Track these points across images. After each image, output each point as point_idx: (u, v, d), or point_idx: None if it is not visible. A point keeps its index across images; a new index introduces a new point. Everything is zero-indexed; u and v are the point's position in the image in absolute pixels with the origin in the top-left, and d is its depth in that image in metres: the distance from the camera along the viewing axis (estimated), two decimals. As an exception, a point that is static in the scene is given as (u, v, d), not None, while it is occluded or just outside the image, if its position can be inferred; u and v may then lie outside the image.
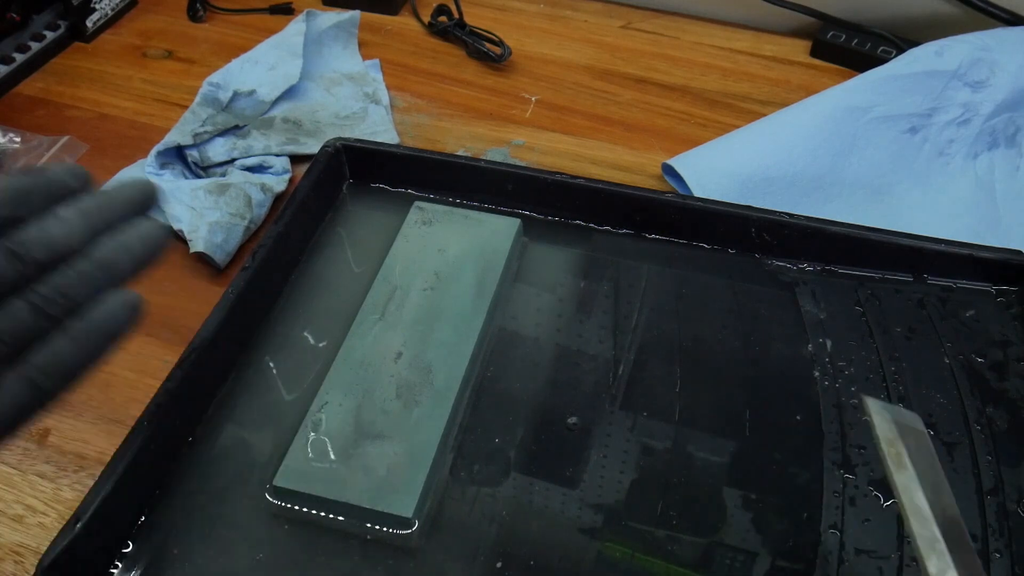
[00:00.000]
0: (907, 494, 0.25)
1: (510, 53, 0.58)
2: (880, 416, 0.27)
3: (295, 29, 0.57)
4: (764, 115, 0.51)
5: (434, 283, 0.41)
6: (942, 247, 0.41)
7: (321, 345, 0.40)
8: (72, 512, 0.31)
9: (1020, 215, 0.46)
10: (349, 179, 0.48)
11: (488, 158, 0.51)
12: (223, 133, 0.51)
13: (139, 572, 0.32)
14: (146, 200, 0.25)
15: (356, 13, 0.60)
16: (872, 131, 0.48)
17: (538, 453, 0.36)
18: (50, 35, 0.60)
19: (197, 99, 0.52)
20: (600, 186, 0.44)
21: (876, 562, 0.32)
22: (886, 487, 0.34)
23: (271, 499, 0.34)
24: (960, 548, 0.24)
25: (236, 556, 0.33)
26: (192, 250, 0.44)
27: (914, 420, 0.27)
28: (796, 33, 0.62)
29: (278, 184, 0.49)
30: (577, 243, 0.44)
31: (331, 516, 0.33)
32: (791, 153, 0.47)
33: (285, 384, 0.38)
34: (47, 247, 0.22)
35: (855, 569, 0.32)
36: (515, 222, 0.43)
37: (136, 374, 0.40)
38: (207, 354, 0.36)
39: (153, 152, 0.49)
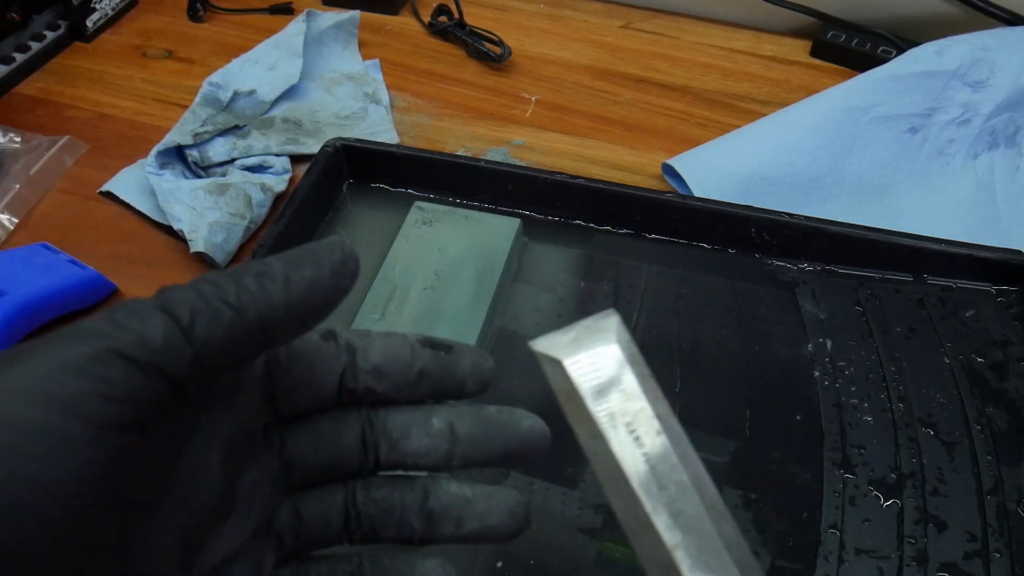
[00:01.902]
0: (601, 458, 0.19)
1: (510, 53, 0.59)
2: (550, 364, 0.20)
3: (295, 29, 0.57)
4: (764, 115, 0.51)
5: (434, 283, 0.41)
6: (942, 247, 0.41)
7: (321, 345, 0.40)
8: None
9: (1020, 215, 0.46)
10: (349, 179, 0.48)
11: (488, 158, 0.51)
12: (223, 133, 0.51)
13: None
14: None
15: (356, 13, 0.60)
16: (872, 131, 0.48)
17: (538, 453, 0.36)
18: (50, 35, 0.60)
19: (197, 99, 0.52)
20: (600, 186, 0.44)
21: (876, 562, 0.32)
22: (886, 487, 0.34)
23: (271, 499, 0.34)
24: (685, 509, 0.19)
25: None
26: (192, 250, 0.44)
27: (601, 333, 0.20)
28: (796, 33, 0.62)
29: (278, 184, 0.49)
30: (577, 243, 0.44)
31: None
32: (791, 153, 0.47)
33: (285, 384, 0.38)
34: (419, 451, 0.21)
35: (855, 569, 0.32)
36: (515, 222, 0.43)
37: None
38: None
39: (153, 152, 0.49)
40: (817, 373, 0.38)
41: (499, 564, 0.32)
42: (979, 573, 0.31)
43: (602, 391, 0.20)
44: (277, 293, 0.17)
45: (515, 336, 0.40)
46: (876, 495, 0.34)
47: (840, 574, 0.32)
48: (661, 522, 0.19)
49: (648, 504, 0.19)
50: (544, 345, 0.21)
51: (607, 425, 0.19)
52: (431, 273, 0.41)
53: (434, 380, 0.21)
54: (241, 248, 0.46)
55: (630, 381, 0.20)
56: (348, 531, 0.21)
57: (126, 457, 0.15)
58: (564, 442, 0.36)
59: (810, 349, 0.39)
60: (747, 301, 0.41)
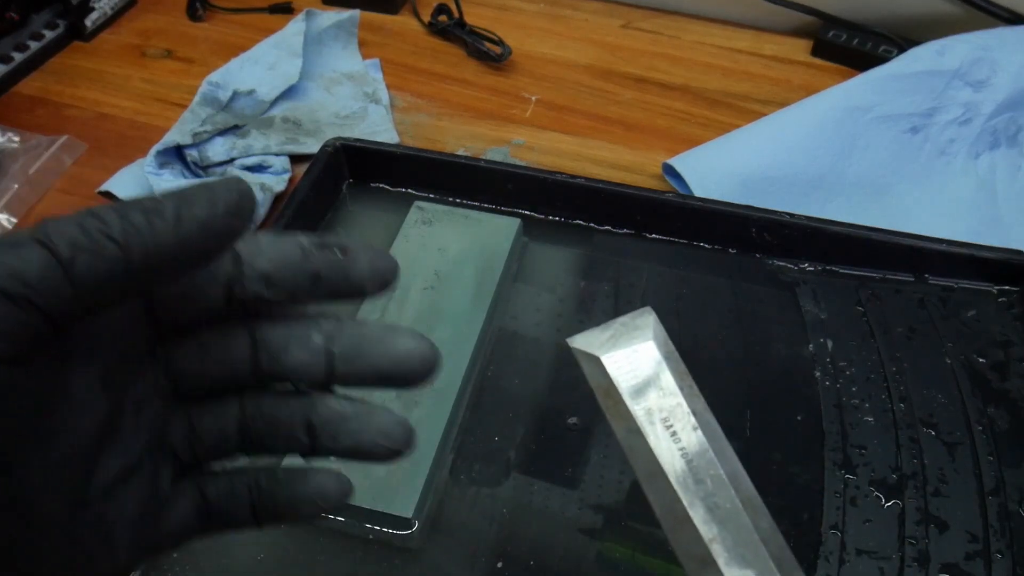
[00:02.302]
0: (639, 453, 0.19)
1: (510, 52, 0.58)
2: (588, 361, 0.20)
3: (295, 28, 0.57)
4: (765, 115, 0.51)
5: (434, 283, 0.41)
6: (943, 247, 0.41)
7: (321, 345, 0.40)
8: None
9: (1021, 215, 0.46)
10: (349, 179, 0.47)
11: (488, 158, 0.51)
12: (223, 132, 0.51)
13: (138, 572, 0.32)
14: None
15: (356, 12, 0.60)
16: (873, 131, 0.48)
17: (538, 453, 0.35)
18: (49, 34, 0.60)
19: (196, 98, 0.52)
20: (600, 186, 0.44)
21: (877, 563, 0.32)
22: (887, 487, 0.34)
23: (270, 499, 0.34)
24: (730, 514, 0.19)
25: (236, 556, 0.33)
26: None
27: (638, 331, 0.20)
28: (797, 32, 0.62)
29: (278, 184, 0.49)
30: (577, 243, 0.44)
31: (331, 516, 0.33)
32: (792, 153, 0.47)
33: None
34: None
35: (857, 569, 0.32)
36: (515, 222, 0.43)
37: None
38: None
39: (152, 152, 0.48)
40: (818, 373, 0.38)
41: (499, 565, 0.32)
42: (980, 574, 0.31)
43: (640, 388, 0.20)
44: (166, 232, 0.16)
45: (515, 336, 0.40)
46: (877, 496, 0.34)
47: (841, 575, 0.32)
48: (698, 516, 0.19)
49: (685, 499, 0.19)
50: (582, 342, 0.21)
51: (645, 421, 0.20)
52: (431, 273, 0.41)
53: (331, 283, 0.20)
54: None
55: (667, 378, 0.20)
56: (244, 444, 0.21)
57: (4, 392, 0.15)
58: (564, 443, 0.36)
59: (811, 349, 0.39)
60: (747, 301, 0.41)
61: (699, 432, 0.19)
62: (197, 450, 0.21)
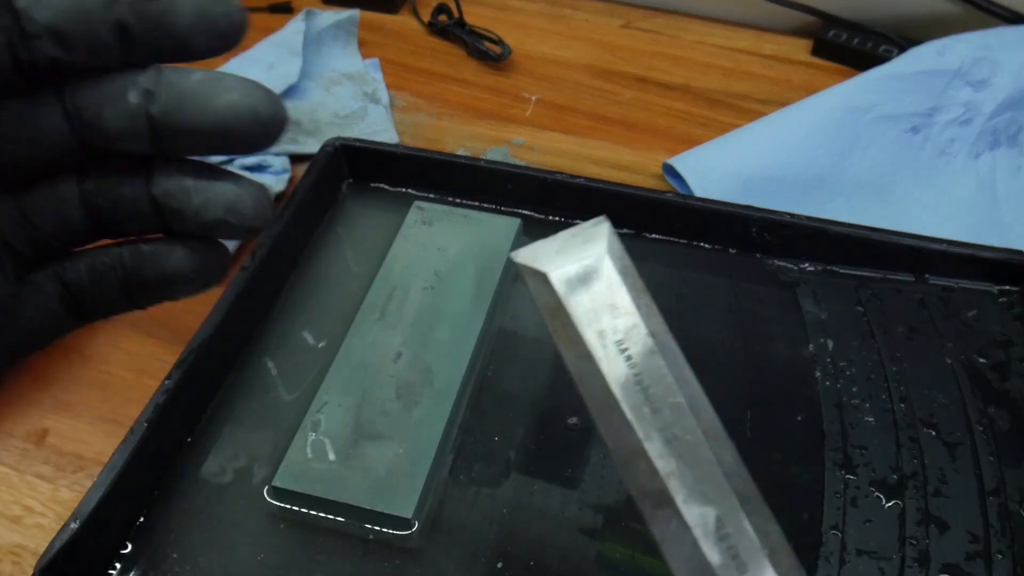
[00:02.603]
0: (589, 380, 0.17)
1: (510, 52, 0.58)
2: (534, 278, 0.18)
3: (294, 28, 0.57)
4: (765, 114, 0.51)
5: (434, 283, 0.41)
6: (944, 247, 0.41)
7: (320, 345, 0.40)
8: (70, 513, 0.30)
9: (1022, 215, 0.46)
10: (348, 179, 0.47)
11: (488, 158, 0.51)
12: (222, 132, 0.51)
13: (138, 573, 0.32)
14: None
15: (355, 12, 0.60)
16: (873, 130, 0.48)
17: (538, 453, 0.35)
18: (49, 34, 0.60)
19: (196, 98, 0.52)
20: (600, 186, 0.44)
21: (878, 563, 0.32)
22: (888, 487, 0.34)
23: (270, 499, 0.34)
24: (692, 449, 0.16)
25: (235, 557, 0.33)
26: None
27: (591, 243, 0.18)
28: (797, 32, 0.62)
29: (277, 184, 0.49)
30: (577, 243, 0.44)
31: (330, 517, 0.33)
32: (792, 153, 0.47)
33: (284, 384, 0.38)
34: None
35: (857, 570, 0.32)
36: (515, 222, 0.43)
37: (134, 374, 0.40)
38: (206, 354, 0.36)
39: (152, 151, 0.48)
40: (818, 373, 0.38)
41: (499, 565, 0.32)
42: (981, 574, 0.31)
43: (592, 307, 0.18)
44: None
45: (515, 336, 0.40)
46: (877, 496, 0.34)
47: (841, 575, 0.31)
48: (654, 449, 0.17)
49: (640, 429, 0.17)
50: (527, 256, 0.18)
51: (596, 344, 0.17)
52: (431, 273, 0.41)
53: (143, 36, 0.17)
54: (240, 248, 0.45)
55: (623, 296, 0.18)
56: (95, 229, 0.19)
57: None
58: (564, 443, 0.36)
59: (811, 349, 0.39)
60: (748, 301, 0.41)
61: (657, 356, 0.17)
62: (39, 239, 0.18)
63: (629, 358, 0.17)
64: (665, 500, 0.17)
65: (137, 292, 0.20)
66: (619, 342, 0.17)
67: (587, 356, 0.17)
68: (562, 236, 0.19)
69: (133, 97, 0.17)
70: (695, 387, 0.18)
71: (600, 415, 0.17)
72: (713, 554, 0.17)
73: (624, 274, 0.18)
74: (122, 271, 0.19)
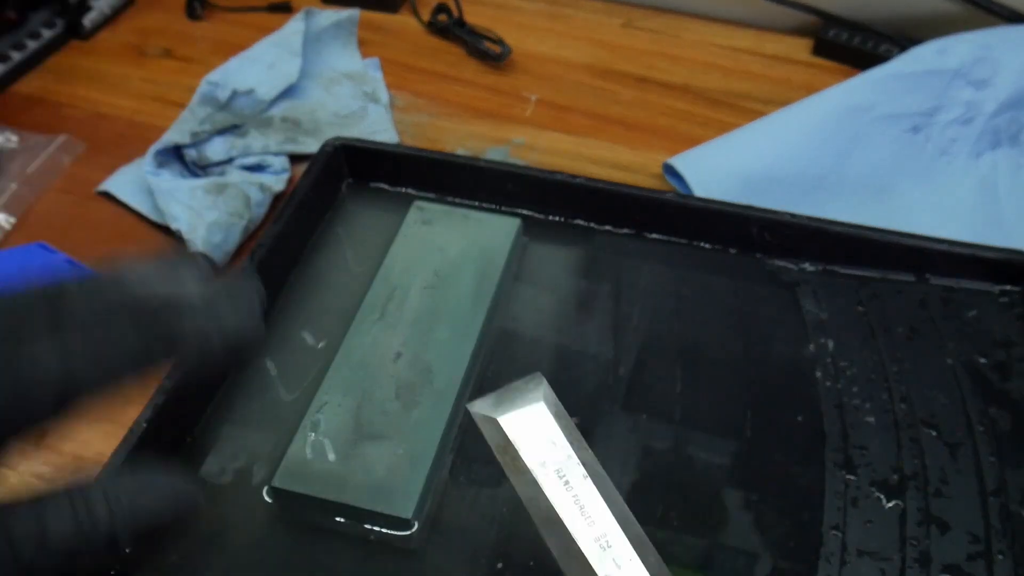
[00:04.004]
0: (536, 503, 0.22)
1: (510, 52, 0.58)
2: (487, 424, 0.23)
3: (294, 28, 0.57)
4: (766, 114, 0.51)
5: (434, 283, 0.41)
6: (944, 247, 0.41)
7: (320, 345, 0.40)
8: (69, 514, 0.30)
9: (1022, 214, 0.46)
10: (348, 178, 0.47)
11: (488, 157, 0.51)
12: (221, 132, 0.51)
13: (138, 574, 0.32)
14: None
15: (355, 11, 0.60)
16: (874, 130, 0.48)
17: (538, 454, 0.35)
18: (47, 33, 0.60)
19: (195, 98, 0.52)
20: (600, 186, 0.44)
21: (878, 563, 0.32)
22: (889, 488, 0.34)
23: (270, 500, 0.34)
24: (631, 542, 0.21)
25: (235, 557, 0.32)
26: (191, 250, 0.43)
27: (531, 393, 0.23)
28: (798, 31, 0.62)
29: (277, 183, 0.49)
30: (577, 243, 0.44)
31: (330, 517, 0.33)
32: (793, 152, 0.47)
33: (284, 384, 0.38)
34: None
35: (857, 570, 0.32)
36: (515, 222, 0.43)
37: (134, 374, 0.40)
38: (205, 354, 0.36)
39: (151, 151, 0.48)
40: (819, 374, 0.38)
41: (499, 565, 0.32)
42: (982, 575, 0.31)
43: (533, 445, 0.22)
44: None
45: (515, 336, 0.40)
46: (878, 496, 0.34)
47: (842, 575, 0.31)
48: (592, 555, 0.21)
49: (579, 540, 0.21)
50: (480, 407, 0.23)
51: (539, 472, 0.22)
52: (431, 273, 0.41)
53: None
54: (240, 248, 0.45)
55: (558, 434, 0.22)
56: None
57: None
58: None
59: (811, 349, 0.39)
60: (748, 301, 0.41)
61: (589, 480, 0.22)
62: None
63: (567, 483, 0.22)
64: None
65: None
66: (558, 471, 0.22)
67: (533, 483, 0.22)
68: (508, 389, 0.24)
69: None
70: (621, 503, 0.22)
71: (546, 529, 0.22)
72: None
73: (558, 416, 0.23)
74: None
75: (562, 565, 0.22)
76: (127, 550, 0.16)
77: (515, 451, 0.22)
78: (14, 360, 0.15)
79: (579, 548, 0.21)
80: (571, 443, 0.22)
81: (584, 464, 0.22)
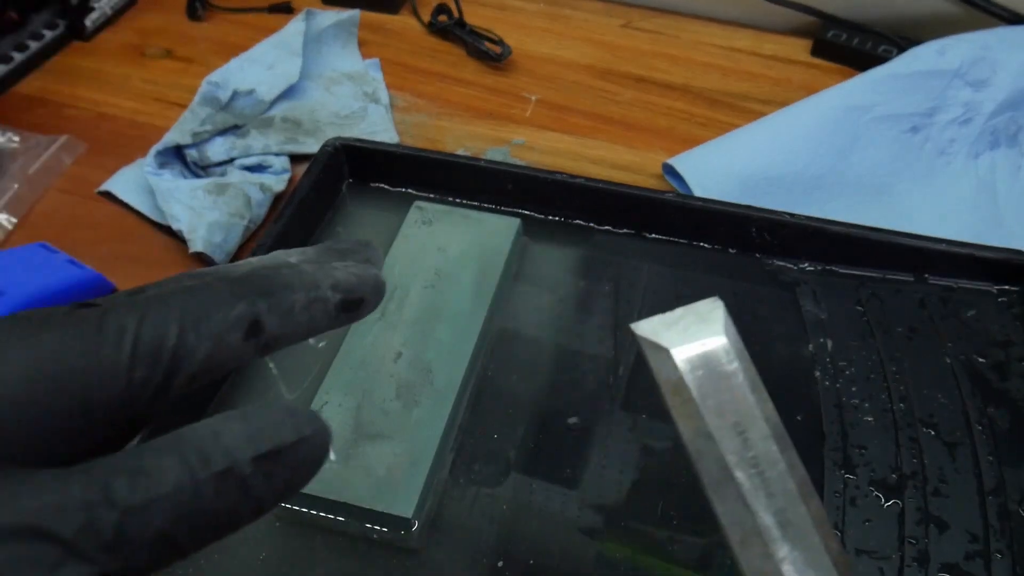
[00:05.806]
0: (707, 459, 0.18)
1: (510, 52, 0.58)
2: (655, 352, 0.18)
3: (295, 28, 0.57)
4: (765, 114, 0.51)
5: (434, 283, 0.41)
6: (943, 247, 0.41)
7: (320, 345, 0.40)
8: (71, 513, 0.30)
9: (1021, 215, 0.46)
10: (349, 178, 0.47)
11: (488, 157, 0.51)
12: (222, 132, 0.51)
13: None
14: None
15: (356, 12, 0.60)
16: (873, 130, 0.48)
17: (538, 453, 0.35)
18: (48, 34, 0.60)
19: (196, 98, 0.52)
20: (600, 186, 0.44)
21: (877, 563, 0.32)
22: (887, 487, 0.34)
23: (270, 499, 0.34)
24: (796, 525, 0.17)
25: (235, 556, 0.33)
26: (191, 250, 0.43)
27: (708, 324, 0.18)
28: (797, 32, 0.62)
29: (277, 183, 0.49)
30: (577, 243, 0.44)
31: (331, 516, 0.33)
32: (792, 152, 0.47)
33: (285, 384, 0.38)
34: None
35: (857, 569, 0.32)
36: (515, 222, 0.43)
37: (135, 374, 0.40)
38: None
39: (152, 151, 0.48)
40: (818, 373, 0.38)
41: (499, 564, 0.32)
42: (980, 574, 0.31)
43: (711, 388, 0.18)
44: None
45: (515, 336, 0.40)
46: (877, 495, 0.34)
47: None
48: (769, 532, 0.18)
49: (757, 511, 0.18)
50: (648, 330, 0.18)
51: (716, 424, 0.18)
52: (431, 273, 0.41)
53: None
54: (241, 248, 0.45)
55: (739, 380, 0.18)
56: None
57: None
58: (564, 443, 0.36)
59: (811, 349, 0.39)
60: (747, 301, 0.41)
61: (771, 441, 0.18)
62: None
63: (746, 440, 0.18)
64: None
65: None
66: (736, 424, 0.18)
67: (706, 434, 0.18)
68: (680, 312, 0.19)
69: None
70: (803, 474, 0.18)
71: (715, 492, 0.18)
72: None
73: (740, 358, 0.19)
74: None
75: (731, 537, 0.18)
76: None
77: (688, 393, 0.18)
78: None
79: (755, 522, 0.17)
80: (754, 392, 0.18)
81: (767, 420, 0.18)
